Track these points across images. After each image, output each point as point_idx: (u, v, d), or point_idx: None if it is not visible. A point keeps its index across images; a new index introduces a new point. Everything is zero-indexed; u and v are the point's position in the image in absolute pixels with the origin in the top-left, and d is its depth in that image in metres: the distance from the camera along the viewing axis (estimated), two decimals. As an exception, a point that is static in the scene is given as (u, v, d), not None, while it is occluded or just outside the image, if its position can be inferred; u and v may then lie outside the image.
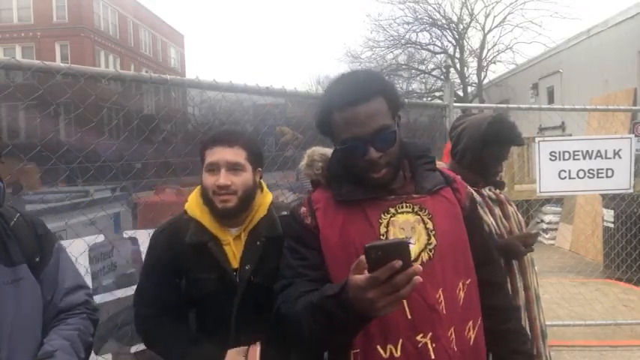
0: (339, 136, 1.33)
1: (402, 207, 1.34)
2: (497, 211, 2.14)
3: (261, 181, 1.79)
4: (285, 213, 1.71)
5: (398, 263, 0.96)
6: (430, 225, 1.33)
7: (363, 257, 1.01)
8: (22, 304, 1.33)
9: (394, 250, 0.98)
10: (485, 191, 2.16)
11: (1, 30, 26.23)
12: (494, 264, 1.56)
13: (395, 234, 1.30)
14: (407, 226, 1.31)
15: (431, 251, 1.30)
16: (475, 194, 2.10)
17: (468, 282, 1.35)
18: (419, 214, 1.33)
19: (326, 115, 1.35)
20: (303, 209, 1.42)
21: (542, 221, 9.40)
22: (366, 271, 1.01)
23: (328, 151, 1.49)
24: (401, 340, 1.25)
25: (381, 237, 1.30)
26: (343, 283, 1.09)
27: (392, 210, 1.33)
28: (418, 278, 0.98)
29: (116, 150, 2.94)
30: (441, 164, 1.50)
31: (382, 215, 1.32)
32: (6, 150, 2.44)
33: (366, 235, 1.29)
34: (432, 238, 1.31)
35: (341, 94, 1.32)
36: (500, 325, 1.44)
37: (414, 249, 1.28)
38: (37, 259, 1.41)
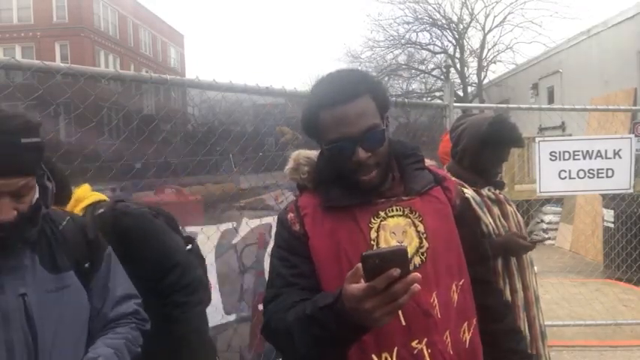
0: (326, 137, 1.27)
1: (393, 210, 1.29)
2: (495, 210, 2.14)
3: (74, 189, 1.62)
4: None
5: (396, 271, 0.93)
6: (421, 227, 1.29)
7: (359, 265, 0.97)
8: (66, 313, 1.25)
9: (392, 258, 0.94)
10: (485, 191, 2.16)
11: (1, 30, 26.24)
12: (487, 263, 1.54)
13: (386, 238, 1.26)
14: (398, 230, 1.28)
15: (423, 255, 1.27)
16: (474, 194, 2.10)
17: (461, 283, 1.32)
18: (409, 217, 1.29)
19: (312, 116, 1.29)
20: (291, 215, 1.35)
21: (542, 221, 9.40)
22: (362, 281, 0.97)
23: (313, 154, 1.43)
24: (396, 348, 1.21)
25: (372, 242, 1.26)
26: (337, 294, 1.04)
27: (382, 214, 1.28)
28: (416, 286, 0.95)
29: (116, 150, 2.94)
30: (429, 162, 1.47)
31: (372, 219, 1.28)
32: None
33: (356, 240, 1.25)
34: (424, 241, 1.28)
35: (328, 93, 1.26)
36: (494, 325, 1.42)
37: None
38: (87, 266, 1.32)
